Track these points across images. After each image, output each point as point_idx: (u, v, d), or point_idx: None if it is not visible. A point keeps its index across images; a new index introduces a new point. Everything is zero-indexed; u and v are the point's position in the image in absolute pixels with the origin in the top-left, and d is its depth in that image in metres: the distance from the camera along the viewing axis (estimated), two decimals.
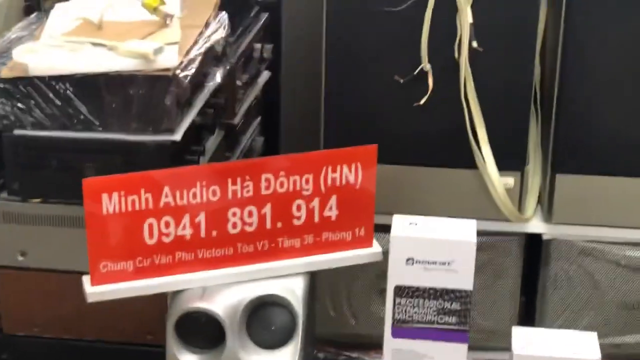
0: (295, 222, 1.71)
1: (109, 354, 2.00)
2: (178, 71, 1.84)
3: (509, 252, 2.06)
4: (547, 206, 2.07)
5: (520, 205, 2.05)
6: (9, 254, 1.98)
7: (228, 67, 2.24)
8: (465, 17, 1.88)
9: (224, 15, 2.18)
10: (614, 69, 1.99)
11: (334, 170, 1.71)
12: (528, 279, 2.12)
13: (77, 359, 2.04)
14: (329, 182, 1.71)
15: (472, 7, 1.88)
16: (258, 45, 2.64)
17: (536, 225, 2.06)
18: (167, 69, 1.83)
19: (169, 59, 1.85)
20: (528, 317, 2.13)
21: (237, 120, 2.46)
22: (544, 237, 2.04)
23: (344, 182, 1.71)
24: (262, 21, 2.62)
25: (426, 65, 1.95)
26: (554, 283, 2.06)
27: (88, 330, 1.98)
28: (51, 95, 1.85)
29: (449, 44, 1.98)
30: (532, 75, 2.05)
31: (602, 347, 1.87)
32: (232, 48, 2.32)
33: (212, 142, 2.27)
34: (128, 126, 1.85)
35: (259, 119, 2.63)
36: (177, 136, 1.86)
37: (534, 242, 2.08)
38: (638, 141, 2.00)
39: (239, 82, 2.43)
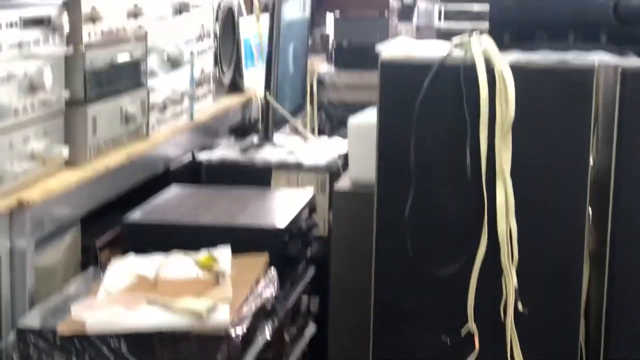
0: None
1: None
2: (231, 329, 1.88)
3: None
4: None
5: None
6: None
7: (277, 323, 2.28)
8: (511, 280, 1.90)
9: (273, 272, 2.23)
10: None
11: None
12: None
13: None
14: None
15: (517, 269, 1.93)
16: (305, 298, 2.68)
17: None
18: (219, 328, 1.86)
19: (221, 318, 1.88)
20: None
21: None
22: None
23: None
24: (309, 275, 2.68)
25: (472, 326, 1.98)
26: None
27: None
28: (106, 351, 1.89)
29: (494, 306, 1.95)
30: (578, 335, 1.99)
31: None
32: (281, 303, 2.35)
33: None
34: None
35: None
36: None
37: None
38: None
39: (286, 336, 2.46)
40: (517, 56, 1.97)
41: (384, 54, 1.99)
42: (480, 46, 1.93)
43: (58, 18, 2.25)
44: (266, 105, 3.36)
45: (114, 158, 2.54)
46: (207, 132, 3.34)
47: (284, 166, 3.11)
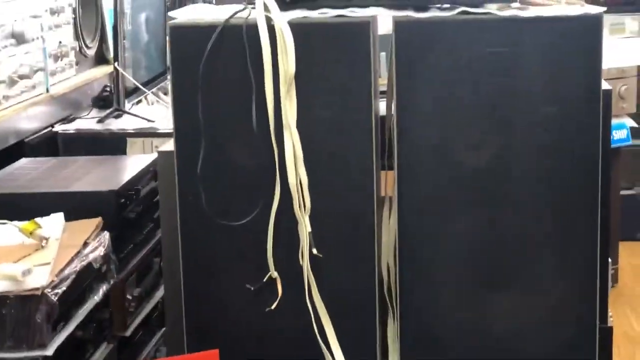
0: None
1: None
2: (48, 290, 1.93)
3: None
4: None
5: None
6: None
7: (113, 281, 2.33)
8: (304, 227, 1.95)
9: (105, 235, 2.27)
10: (449, 270, 2.02)
11: None
12: None
13: None
14: None
15: (310, 216, 1.98)
16: (156, 259, 2.73)
17: None
18: (37, 289, 1.92)
19: (37, 279, 1.90)
20: None
21: (129, 332, 2.53)
22: None
23: None
24: (153, 241, 2.70)
25: (273, 273, 2.04)
26: None
27: None
28: None
29: (293, 253, 1.97)
30: (374, 276, 2.02)
31: None
32: (115, 265, 2.41)
33: (99, 354, 2.34)
34: (3, 344, 1.92)
35: (163, 330, 2.53)
36: (49, 351, 1.90)
37: None
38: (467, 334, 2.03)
39: (128, 296, 2.51)
40: (297, 13, 1.93)
41: (176, 19, 2.02)
42: (264, 5, 1.91)
43: None
44: (116, 75, 3.26)
45: None
46: (68, 105, 3.26)
47: (138, 134, 3.08)
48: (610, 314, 2.22)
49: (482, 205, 1.94)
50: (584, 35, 1.84)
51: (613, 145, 4.13)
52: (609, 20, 4.51)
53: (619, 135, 4.24)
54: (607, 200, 1.92)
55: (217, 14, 1.93)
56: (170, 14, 2.01)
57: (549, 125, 1.92)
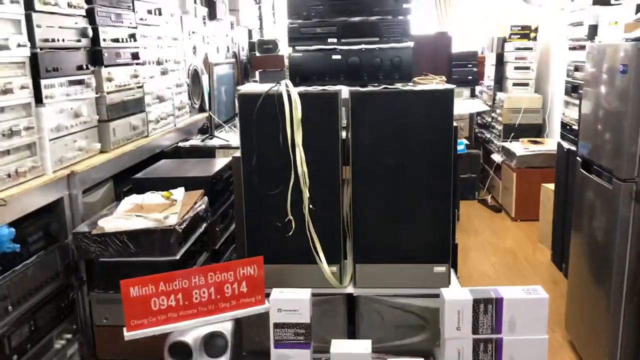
0: (226, 295, 1.73)
1: None
2: (177, 227, 2.01)
3: (339, 303, 1.98)
4: (354, 279, 2.03)
5: (340, 280, 2.01)
6: (100, 318, 2.09)
7: (209, 222, 2.39)
8: (305, 194, 1.90)
9: (205, 199, 2.36)
10: (377, 214, 1.93)
11: (243, 268, 1.74)
12: (349, 317, 2.01)
13: None
14: (241, 274, 1.73)
15: (308, 189, 1.89)
16: (231, 210, 2.77)
17: (350, 289, 2.00)
18: (171, 226, 2.00)
19: (171, 221, 2.03)
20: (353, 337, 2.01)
21: (217, 247, 2.58)
22: (354, 294, 1.98)
23: (248, 274, 1.74)
24: (229, 202, 2.76)
25: (290, 217, 1.90)
26: (362, 317, 1.97)
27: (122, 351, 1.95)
28: (116, 241, 1.99)
29: (300, 206, 1.91)
30: (340, 219, 1.94)
31: (385, 347, 1.91)
32: (212, 212, 2.47)
33: (202, 258, 2.38)
34: (153, 252, 1.99)
35: (233, 246, 2.64)
36: (177, 257, 2.00)
37: (350, 298, 1.97)
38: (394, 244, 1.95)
39: (217, 229, 2.57)
40: (302, 89, 1.92)
41: (240, 90, 1.95)
42: (286, 85, 1.89)
43: (88, 80, 2.39)
44: (210, 117, 3.41)
45: (127, 147, 2.63)
46: (185, 133, 3.48)
47: (221, 147, 3.25)
48: (456, 237, 2.22)
49: (393, 182, 1.97)
50: (444, 99, 1.90)
51: (458, 152, 4.23)
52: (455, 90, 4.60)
53: (461, 147, 4.22)
54: (455, 179, 2.03)
55: (261, 88, 2.03)
56: (238, 87, 2.01)
57: (427, 143, 1.94)
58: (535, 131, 5.20)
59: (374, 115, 1.89)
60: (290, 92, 1.86)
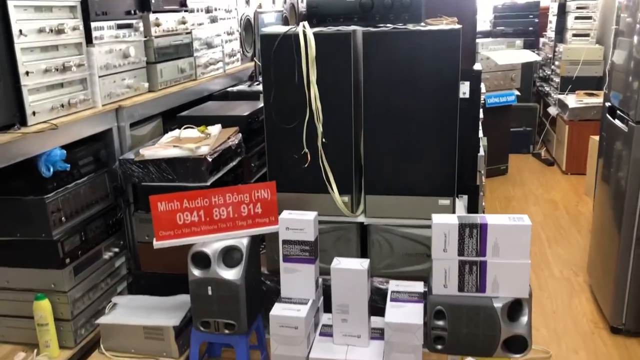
0: (243, 214, 1.88)
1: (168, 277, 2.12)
2: (208, 156, 2.15)
3: (351, 230, 2.12)
4: (365, 209, 2.13)
5: (352, 209, 2.13)
6: (143, 235, 2.28)
7: (242, 156, 2.52)
8: (319, 129, 2.04)
9: (239, 135, 2.49)
10: (387, 152, 2.03)
11: (258, 191, 1.89)
12: (362, 244, 2.16)
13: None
14: (255, 197, 1.89)
15: (322, 125, 2.08)
16: (263, 144, 2.84)
17: (361, 218, 2.13)
18: (202, 155, 2.14)
19: (203, 151, 2.16)
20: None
21: (252, 181, 2.69)
22: (365, 223, 2.12)
23: (262, 197, 1.89)
24: (262, 136, 2.82)
25: (305, 150, 2.06)
26: (372, 244, 2.11)
27: (161, 265, 2.10)
28: (155, 166, 2.15)
29: (314, 140, 2.12)
30: (353, 153, 2.06)
31: (393, 273, 2.02)
32: (247, 149, 2.58)
33: None
34: (187, 178, 2.13)
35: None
36: (208, 183, 2.15)
37: (362, 226, 2.13)
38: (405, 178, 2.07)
39: (252, 164, 2.70)
40: (317, 29, 2.00)
41: (265, 31, 2.06)
42: (303, 26, 1.98)
43: (137, 24, 2.49)
44: (255, 66, 3.58)
45: (175, 88, 2.72)
46: (235, 79, 3.54)
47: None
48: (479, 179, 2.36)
49: (402, 119, 2.03)
50: (453, 39, 1.92)
51: (507, 104, 4.10)
52: (506, 41, 4.75)
53: (511, 98, 4.07)
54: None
55: (281, 29, 2.15)
56: (262, 29, 2.10)
57: (434, 86, 1.98)
58: (594, 84, 4.88)
59: (384, 54, 1.97)
60: (307, 31, 1.95)
